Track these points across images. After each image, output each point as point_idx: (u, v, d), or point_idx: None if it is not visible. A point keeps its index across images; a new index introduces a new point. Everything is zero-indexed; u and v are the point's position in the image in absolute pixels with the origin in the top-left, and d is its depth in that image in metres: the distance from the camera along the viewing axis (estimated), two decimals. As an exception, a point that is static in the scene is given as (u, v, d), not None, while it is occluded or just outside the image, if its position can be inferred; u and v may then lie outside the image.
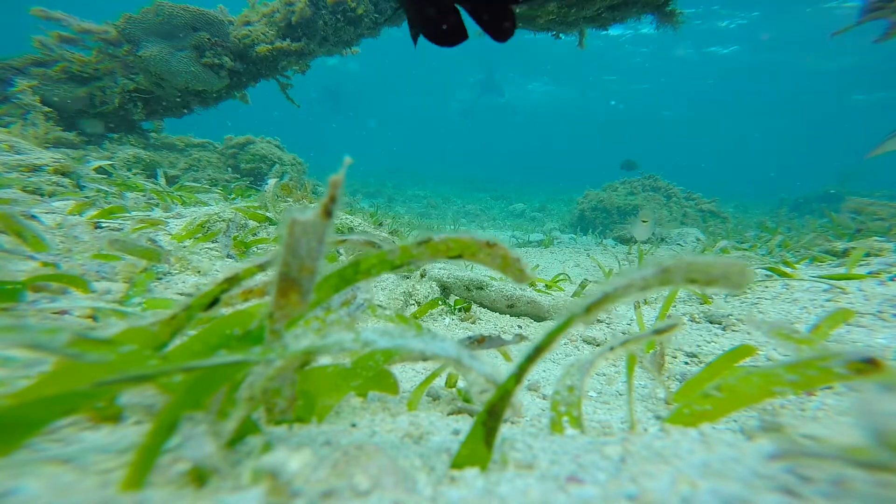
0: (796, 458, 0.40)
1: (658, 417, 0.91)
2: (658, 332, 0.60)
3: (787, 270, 2.18)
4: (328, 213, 0.44)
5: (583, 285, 2.08)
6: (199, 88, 4.09)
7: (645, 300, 2.10)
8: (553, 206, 10.96)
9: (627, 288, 0.44)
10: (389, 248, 0.49)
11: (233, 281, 0.58)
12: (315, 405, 0.57)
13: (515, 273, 0.49)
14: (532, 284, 1.98)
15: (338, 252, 1.89)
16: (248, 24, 4.22)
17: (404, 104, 55.28)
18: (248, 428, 0.48)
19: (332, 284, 0.52)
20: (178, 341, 0.55)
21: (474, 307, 1.82)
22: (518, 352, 1.34)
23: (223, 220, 1.94)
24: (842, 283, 1.83)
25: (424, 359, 0.58)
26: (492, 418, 0.46)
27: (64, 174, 2.43)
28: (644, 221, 3.80)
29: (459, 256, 0.49)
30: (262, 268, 0.59)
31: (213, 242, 1.77)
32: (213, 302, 0.57)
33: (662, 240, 4.85)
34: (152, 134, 4.83)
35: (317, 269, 0.46)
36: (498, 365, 1.24)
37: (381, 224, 3.07)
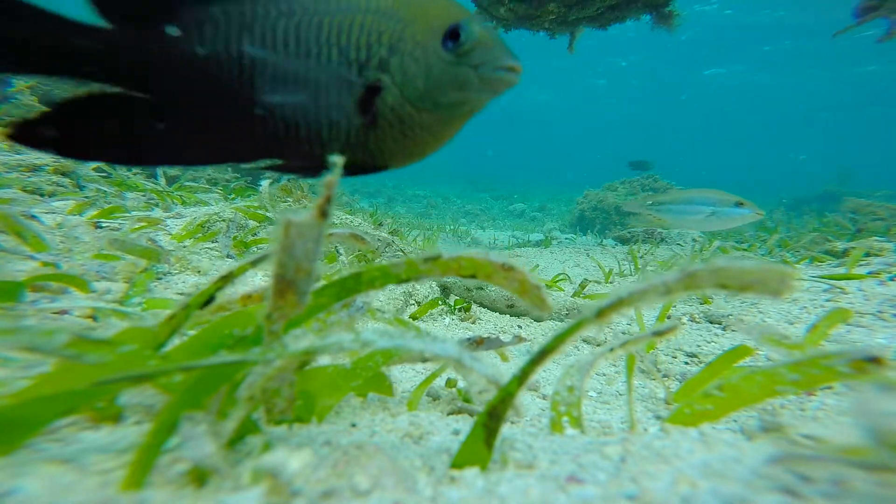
0: (796, 463, 0.40)
1: (658, 417, 0.91)
2: (658, 333, 0.60)
3: (787, 270, 2.17)
4: (323, 213, 0.43)
5: (583, 285, 2.08)
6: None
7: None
8: (553, 206, 10.95)
9: (646, 293, 0.41)
10: (394, 262, 0.48)
11: (227, 278, 0.58)
12: (315, 405, 0.57)
13: (535, 300, 0.47)
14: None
15: (337, 252, 1.89)
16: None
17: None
18: (248, 428, 0.48)
19: (331, 293, 0.51)
20: (177, 341, 0.55)
21: (474, 307, 1.82)
22: (518, 352, 1.35)
23: (223, 220, 1.94)
24: (842, 283, 1.83)
25: (424, 359, 0.58)
26: (493, 420, 0.46)
27: (64, 174, 2.42)
28: (741, 204, 2.48)
29: (473, 276, 0.47)
30: (253, 264, 0.59)
31: (213, 242, 1.77)
32: (209, 300, 0.57)
33: (662, 240, 4.85)
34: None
35: (314, 270, 0.45)
36: (498, 365, 1.24)
37: (381, 224, 3.06)
